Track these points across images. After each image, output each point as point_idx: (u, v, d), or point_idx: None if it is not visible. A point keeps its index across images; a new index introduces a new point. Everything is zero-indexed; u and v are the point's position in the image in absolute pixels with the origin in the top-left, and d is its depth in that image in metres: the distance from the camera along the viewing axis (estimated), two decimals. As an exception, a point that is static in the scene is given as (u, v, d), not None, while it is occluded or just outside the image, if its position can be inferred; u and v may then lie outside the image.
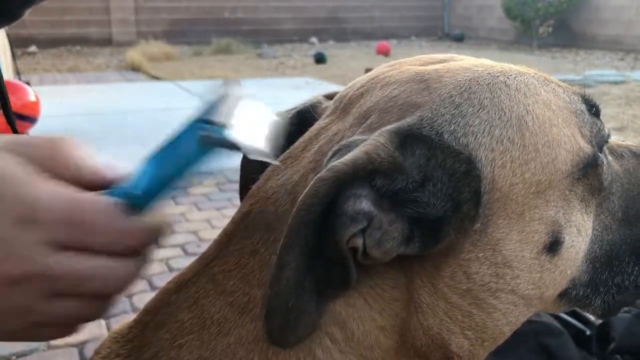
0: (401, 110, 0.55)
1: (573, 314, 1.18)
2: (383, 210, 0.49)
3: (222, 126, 0.47)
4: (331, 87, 8.03)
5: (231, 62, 11.13)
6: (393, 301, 0.54)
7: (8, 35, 4.95)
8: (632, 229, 0.63)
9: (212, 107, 0.49)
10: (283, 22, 15.06)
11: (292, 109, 0.68)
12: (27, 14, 0.93)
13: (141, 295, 2.61)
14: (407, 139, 0.51)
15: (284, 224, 0.52)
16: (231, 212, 3.67)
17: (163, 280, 2.84)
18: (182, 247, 3.06)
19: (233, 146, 0.48)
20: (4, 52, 5.19)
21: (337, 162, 0.48)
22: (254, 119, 0.51)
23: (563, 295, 0.61)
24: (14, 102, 4.58)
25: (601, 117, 0.63)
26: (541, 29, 13.27)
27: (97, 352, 0.63)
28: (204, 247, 2.86)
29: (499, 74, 0.58)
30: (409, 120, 0.53)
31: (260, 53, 12.25)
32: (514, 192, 0.53)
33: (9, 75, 5.12)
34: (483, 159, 0.52)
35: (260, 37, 14.43)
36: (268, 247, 0.55)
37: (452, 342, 0.55)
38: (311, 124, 0.63)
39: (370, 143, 0.49)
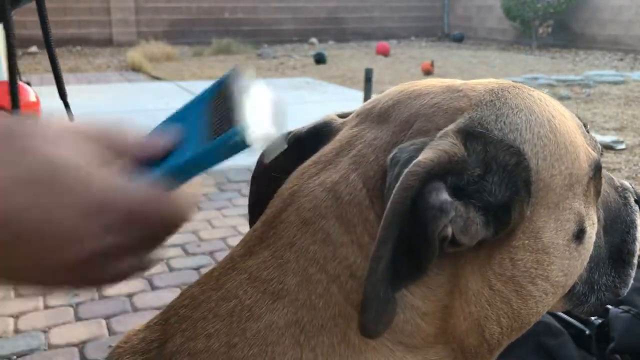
0: (447, 113, 0.59)
1: (573, 314, 1.18)
2: (458, 201, 0.53)
3: (244, 123, 0.50)
4: (331, 88, 8.04)
5: (231, 62, 11.14)
6: (437, 287, 0.57)
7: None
8: (608, 236, 0.71)
9: (234, 81, 0.52)
10: (283, 22, 15.07)
11: (307, 125, 0.72)
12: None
13: (141, 295, 2.61)
14: (467, 137, 0.56)
15: (323, 218, 0.57)
16: (231, 212, 3.68)
17: (163, 280, 2.84)
18: (182, 247, 3.05)
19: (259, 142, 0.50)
20: (4, 53, 5.19)
21: (421, 159, 0.52)
22: (261, 103, 0.53)
23: (569, 291, 0.66)
24: (14, 102, 4.53)
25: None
26: (541, 29, 13.28)
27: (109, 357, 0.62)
28: (204, 247, 2.85)
29: (521, 86, 0.65)
30: (462, 120, 0.58)
31: (260, 53, 12.26)
32: (554, 183, 0.60)
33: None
34: (528, 152, 0.58)
35: (260, 37, 14.45)
36: (306, 239, 0.57)
37: (486, 329, 0.59)
38: (326, 138, 0.67)
39: (445, 143, 0.54)
